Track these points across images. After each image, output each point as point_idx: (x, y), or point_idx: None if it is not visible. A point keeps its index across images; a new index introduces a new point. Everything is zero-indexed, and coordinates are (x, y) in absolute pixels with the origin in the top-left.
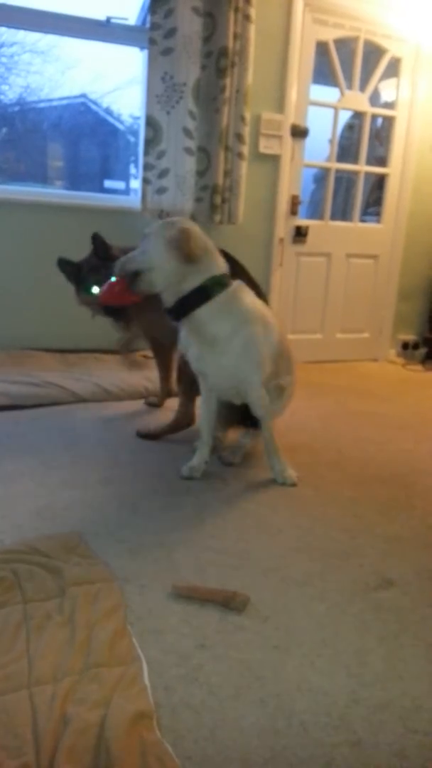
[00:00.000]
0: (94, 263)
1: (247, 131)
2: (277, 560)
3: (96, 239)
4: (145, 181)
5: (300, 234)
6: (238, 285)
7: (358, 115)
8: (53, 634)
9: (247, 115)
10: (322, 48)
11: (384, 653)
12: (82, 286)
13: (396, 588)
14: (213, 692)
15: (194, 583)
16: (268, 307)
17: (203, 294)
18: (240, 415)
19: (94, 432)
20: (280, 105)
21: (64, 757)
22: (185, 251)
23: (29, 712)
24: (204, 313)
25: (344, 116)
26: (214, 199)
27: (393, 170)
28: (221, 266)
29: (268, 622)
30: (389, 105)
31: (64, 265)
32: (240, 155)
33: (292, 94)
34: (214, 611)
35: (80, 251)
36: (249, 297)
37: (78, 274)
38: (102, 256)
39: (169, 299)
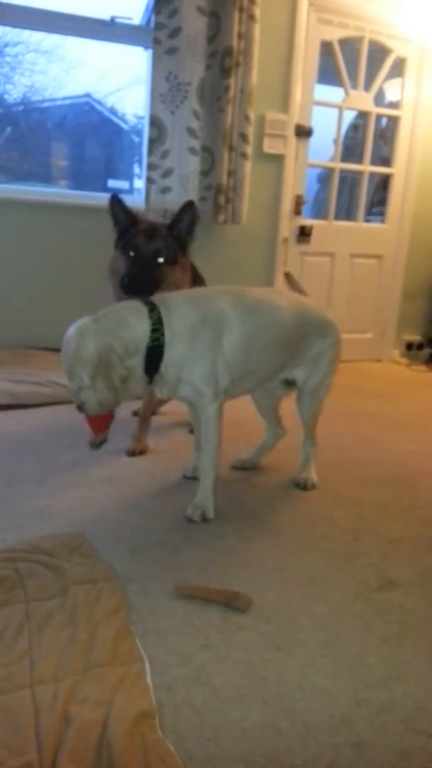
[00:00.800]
0: (149, 229)
1: (251, 131)
2: (279, 560)
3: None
4: (149, 181)
5: (304, 234)
6: (165, 305)
7: (362, 115)
8: (55, 634)
9: (252, 115)
10: (326, 48)
11: (386, 654)
12: (124, 242)
13: (399, 589)
14: (215, 692)
15: (197, 583)
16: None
17: (155, 354)
18: None
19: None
20: (284, 105)
21: (67, 756)
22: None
23: (32, 711)
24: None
25: (349, 116)
26: (218, 199)
27: (397, 170)
28: (143, 320)
29: (271, 622)
30: (394, 105)
31: (118, 205)
32: (244, 155)
33: (297, 94)
34: (216, 611)
35: (84, 250)
36: (182, 308)
37: (127, 229)
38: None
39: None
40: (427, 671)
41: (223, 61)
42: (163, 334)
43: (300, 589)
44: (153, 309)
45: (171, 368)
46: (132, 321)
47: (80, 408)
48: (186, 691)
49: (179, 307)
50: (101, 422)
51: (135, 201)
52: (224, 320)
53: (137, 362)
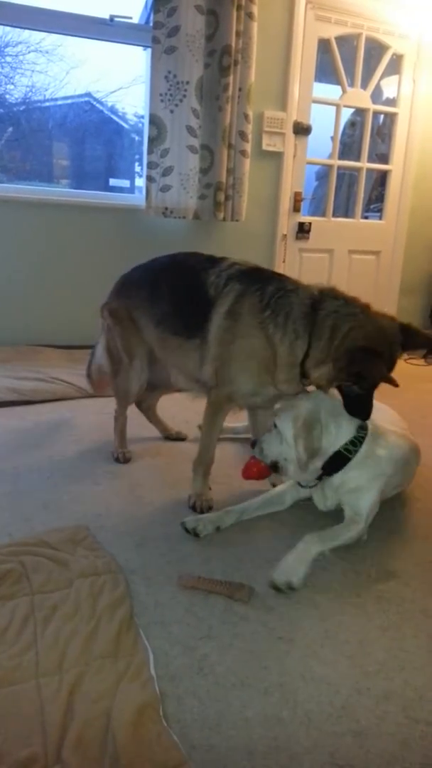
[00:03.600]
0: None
1: (250, 129)
2: (280, 552)
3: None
4: (149, 179)
5: (303, 230)
6: (373, 436)
7: (360, 112)
8: (60, 626)
9: (250, 113)
10: (324, 45)
11: (386, 644)
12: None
13: (398, 579)
14: (218, 682)
15: (199, 575)
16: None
17: (339, 461)
18: None
19: (99, 426)
20: (282, 102)
21: (72, 747)
22: (308, 445)
23: (37, 703)
24: (339, 474)
25: (346, 113)
26: (217, 197)
27: (395, 167)
28: (351, 429)
29: (272, 612)
30: (391, 102)
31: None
32: (243, 153)
33: (295, 92)
34: (219, 602)
35: (86, 248)
36: (387, 440)
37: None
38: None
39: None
40: (426, 660)
41: (222, 59)
42: (356, 451)
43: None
44: (364, 427)
45: (342, 483)
46: (344, 420)
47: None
48: (189, 681)
49: (389, 437)
50: (259, 473)
51: (136, 200)
52: (404, 463)
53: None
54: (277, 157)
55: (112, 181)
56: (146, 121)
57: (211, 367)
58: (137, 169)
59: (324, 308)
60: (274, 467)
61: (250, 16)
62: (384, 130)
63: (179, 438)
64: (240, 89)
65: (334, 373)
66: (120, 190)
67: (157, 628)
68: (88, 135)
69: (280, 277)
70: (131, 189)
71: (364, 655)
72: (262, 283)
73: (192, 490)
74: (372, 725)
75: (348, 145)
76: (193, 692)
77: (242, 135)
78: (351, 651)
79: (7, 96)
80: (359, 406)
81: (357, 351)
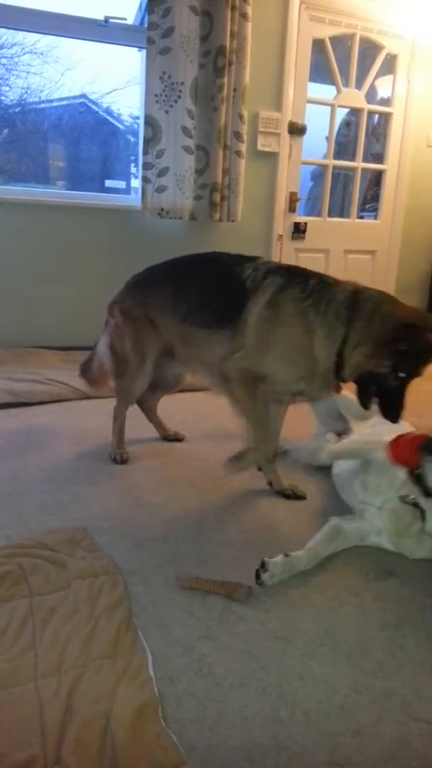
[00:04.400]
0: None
1: (245, 129)
2: (277, 552)
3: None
4: (145, 180)
5: (298, 230)
6: None
7: (354, 112)
8: (59, 628)
9: (245, 114)
10: (318, 45)
11: (384, 642)
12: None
13: (395, 578)
14: (217, 682)
15: (197, 576)
16: None
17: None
18: None
19: (97, 428)
20: (277, 103)
21: (71, 748)
22: None
23: (36, 704)
24: None
25: (341, 113)
26: (213, 197)
27: (390, 167)
28: None
29: (271, 612)
30: (385, 102)
31: None
32: (238, 153)
33: (290, 92)
34: (217, 602)
35: (82, 249)
36: None
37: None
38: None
39: None
40: (425, 658)
41: (217, 60)
42: None
43: (298, 579)
44: None
45: None
46: None
47: None
48: (188, 681)
49: None
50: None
51: (132, 201)
52: None
53: None
54: (273, 157)
55: (108, 183)
56: (141, 122)
57: (244, 354)
58: (133, 170)
59: (364, 295)
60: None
61: (244, 16)
62: (379, 129)
63: (177, 439)
64: (235, 90)
65: (376, 354)
66: (116, 191)
67: (156, 628)
68: (83, 136)
69: (319, 274)
70: (127, 190)
71: (362, 654)
72: (303, 277)
73: (270, 480)
74: (371, 724)
75: (343, 145)
76: (192, 693)
77: (237, 135)
78: (349, 650)
79: (2, 98)
80: (394, 403)
81: (401, 326)
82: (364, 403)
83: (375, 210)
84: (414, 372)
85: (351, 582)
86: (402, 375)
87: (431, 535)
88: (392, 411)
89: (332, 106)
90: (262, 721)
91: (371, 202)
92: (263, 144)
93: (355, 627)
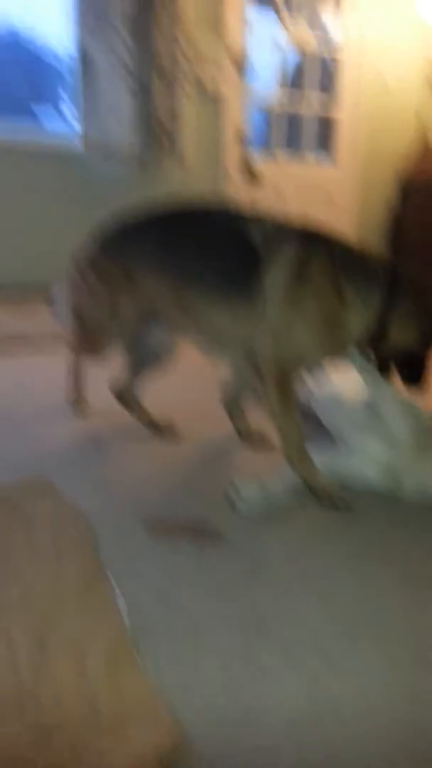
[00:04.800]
0: None
1: (188, 64)
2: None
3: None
4: (82, 119)
5: (251, 174)
6: None
7: (305, 51)
8: (25, 585)
9: (186, 48)
10: None
11: (357, 576)
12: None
13: (371, 516)
14: (194, 624)
15: (168, 521)
16: None
17: None
18: None
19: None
20: (219, 36)
21: (49, 710)
22: None
23: (10, 668)
24: None
25: (290, 53)
26: (159, 139)
27: (344, 109)
28: None
29: (243, 552)
30: (337, 41)
31: None
32: (183, 93)
33: (235, 27)
34: (190, 547)
35: (11, 194)
36: None
37: None
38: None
39: None
40: (392, 586)
41: None
42: None
43: (270, 519)
44: None
45: None
46: None
47: None
48: (164, 626)
49: None
50: None
51: (69, 141)
52: None
53: None
54: (218, 95)
55: (41, 120)
56: (75, 56)
57: (269, 334)
58: (64, 109)
59: (398, 272)
60: None
61: None
62: (332, 70)
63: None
64: (173, 23)
65: (418, 338)
66: (50, 130)
67: (128, 577)
68: (11, 68)
69: (339, 238)
70: (62, 129)
71: (335, 589)
72: (327, 245)
73: (312, 484)
74: (344, 657)
75: (293, 87)
76: (169, 635)
77: (180, 71)
78: (322, 586)
79: None
80: (416, 369)
81: None
82: (386, 374)
83: (331, 153)
84: None
85: (323, 518)
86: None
87: None
88: (415, 375)
89: (281, 43)
90: (240, 657)
91: (326, 145)
92: (208, 81)
93: (327, 562)
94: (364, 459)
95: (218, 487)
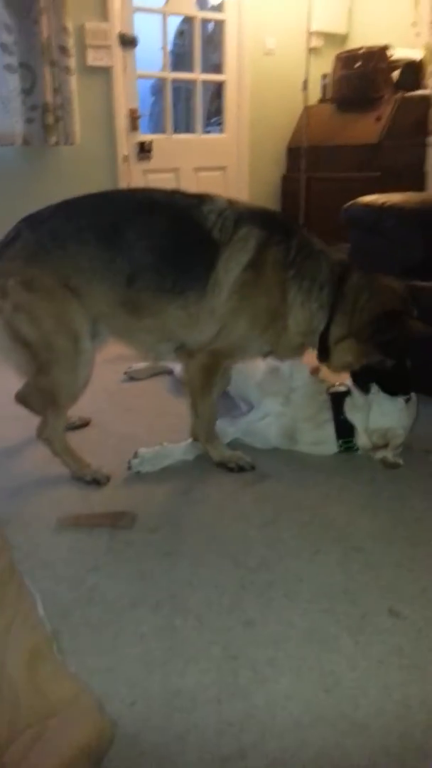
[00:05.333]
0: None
1: (71, 43)
2: (157, 475)
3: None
4: None
5: (144, 150)
6: None
7: (187, 20)
8: None
9: (69, 26)
10: None
11: (265, 539)
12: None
13: (271, 479)
14: (110, 608)
15: (80, 512)
16: None
17: None
18: None
19: None
20: (103, 13)
21: None
22: None
23: None
24: None
25: (174, 22)
26: (45, 119)
27: (229, 77)
28: None
29: (157, 532)
30: (217, 8)
31: None
32: (67, 70)
33: (115, 0)
34: (103, 534)
35: None
36: None
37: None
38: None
39: None
40: (301, 546)
41: None
42: None
43: (181, 497)
44: None
45: None
46: None
47: None
48: (80, 612)
49: None
50: None
51: None
52: None
53: None
54: (106, 72)
55: None
56: None
57: (216, 324)
58: None
59: (350, 279)
60: None
61: None
62: (215, 38)
63: (84, 424)
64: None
65: (363, 348)
66: None
67: (42, 570)
68: None
69: (299, 229)
70: None
71: (246, 553)
72: (285, 235)
73: (218, 459)
74: (258, 615)
75: (180, 56)
76: (86, 622)
77: (63, 50)
78: (234, 551)
79: None
80: (398, 380)
81: (381, 317)
82: (364, 389)
83: (220, 124)
84: (405, 353)
85: (231, 489)
86: (393, 361)
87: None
88: (401, 387)
89: (163, 14)
90: (157, 633)
91: (216, 115)
92: (94, 58)
93: (238, 530)
94: (267, 420)
95: (130, 475)
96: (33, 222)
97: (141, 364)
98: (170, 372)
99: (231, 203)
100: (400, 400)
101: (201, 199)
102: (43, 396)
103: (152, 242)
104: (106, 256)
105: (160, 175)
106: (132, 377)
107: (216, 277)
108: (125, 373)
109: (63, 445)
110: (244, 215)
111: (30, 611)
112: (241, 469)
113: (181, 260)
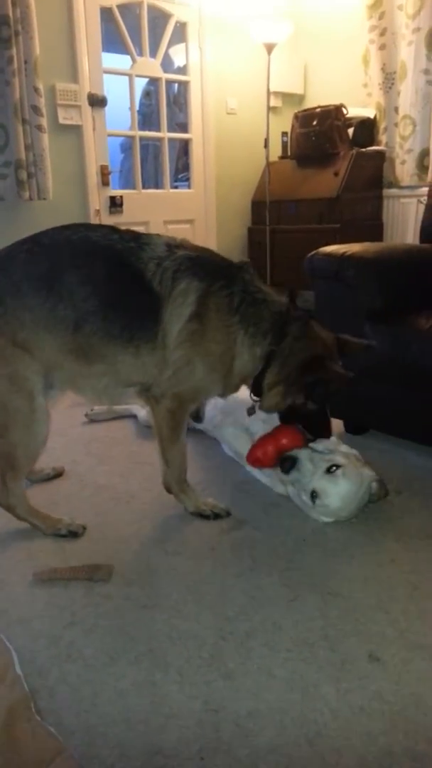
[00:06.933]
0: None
1: (42, 102)
2: (132, 526)
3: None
4: None
5: (115, 204)
6: None
7: (153, 82)
8: None
9: (41, 86)
10: (107, 14)
11: (243, 587)
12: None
13: (248, 526)
14: (88, 664)
15: (55, 566)
16: None
17: None
18: None
19: None
20: (73, 74)
21: None
22: None
23: None
24: None
25: (141, 83)
26: (19, 175)
27: (194, 135)
28: None
29: (134, 585)
30: (182, 70)
31: None
32: (39, 128)
33: (84, 62)
34: (79, 588)
35: None
36: None
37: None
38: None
39: None
40: (280, 592)
41: (0, 31)
42: None
43: (157, 547)
44: None
45: None
46: None
47: None
48: (58, 670)
49: None
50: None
51: None
52: None
53: None
54: (77, 130)
55: None
56: None
57: (171, 369)
58: None
59: (289, 332)
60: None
61: None
62: (180, 98)
63: (58, 474)
64: (26, 62)
65: (290, 391)
66: None
67: (18, 626)
68: None
69: (240, 274)
70: None
71: (224, 603)
72: (226, 281)
73: (193, 509)
74: (239, 666)
75: (147, 116)
76: (64, 680)
77: (35, 109)
78: (212, 601)
79: None
80: (320, 425)
81: (305, 364)
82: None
83: (188, 179)
84: (328, 398)
85: (207, 537)
86: (316, 405)
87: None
88: (322, 431)
89: (130, 75)
90: (137, 688)
91: (183, 171)
92: (65, 117)
93: (215, 578)
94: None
95: (107, 527)
96: None
97: (101, 407)
98: (133, 416)
99: (170, 249)
100: (343, 485)
101: (139, 242)
102: (1, 460)
103: (94, 288)
104: (48, 305)
105: (131, 227)
106: (93, 419)
107: (163, 328)
108: (86, 415)
109: (26, 508)
110: (183, 265)
111: (7, 669)
112: (216, 516)
113: (125, 308)
